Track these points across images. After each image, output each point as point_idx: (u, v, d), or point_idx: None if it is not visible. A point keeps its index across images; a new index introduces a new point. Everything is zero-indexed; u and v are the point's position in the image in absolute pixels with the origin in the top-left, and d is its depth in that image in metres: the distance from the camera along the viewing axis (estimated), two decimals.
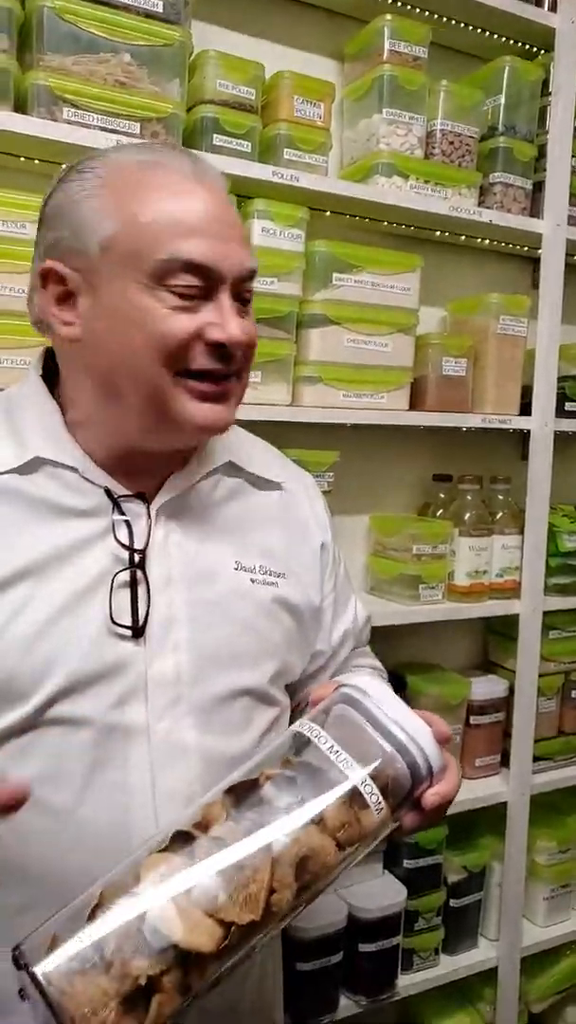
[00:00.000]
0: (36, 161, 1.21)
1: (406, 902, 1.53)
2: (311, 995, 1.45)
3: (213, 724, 0.79)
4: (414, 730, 0.64)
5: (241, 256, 0.75)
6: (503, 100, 1.53)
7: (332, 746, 0.62)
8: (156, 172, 0.74)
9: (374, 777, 0.62)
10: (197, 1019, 0.80)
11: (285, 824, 0.59)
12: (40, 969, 0.52)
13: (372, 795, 0.61)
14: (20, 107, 1.13)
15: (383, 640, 1.24)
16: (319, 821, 0.60)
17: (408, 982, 1.56)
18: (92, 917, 0.55)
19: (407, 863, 1.56)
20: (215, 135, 1.26)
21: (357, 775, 0.61)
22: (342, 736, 0.63)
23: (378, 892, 1.53)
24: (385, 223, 1.53)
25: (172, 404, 0.74)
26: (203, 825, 0.60)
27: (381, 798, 0.61)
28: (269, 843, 0.58)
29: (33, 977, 0.52)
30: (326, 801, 0.61)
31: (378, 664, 1.07)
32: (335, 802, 0.61)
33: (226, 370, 0.75)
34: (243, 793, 0.61)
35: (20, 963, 0.53)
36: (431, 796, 0.67)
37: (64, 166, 0.78)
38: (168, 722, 0.77)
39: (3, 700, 0.73)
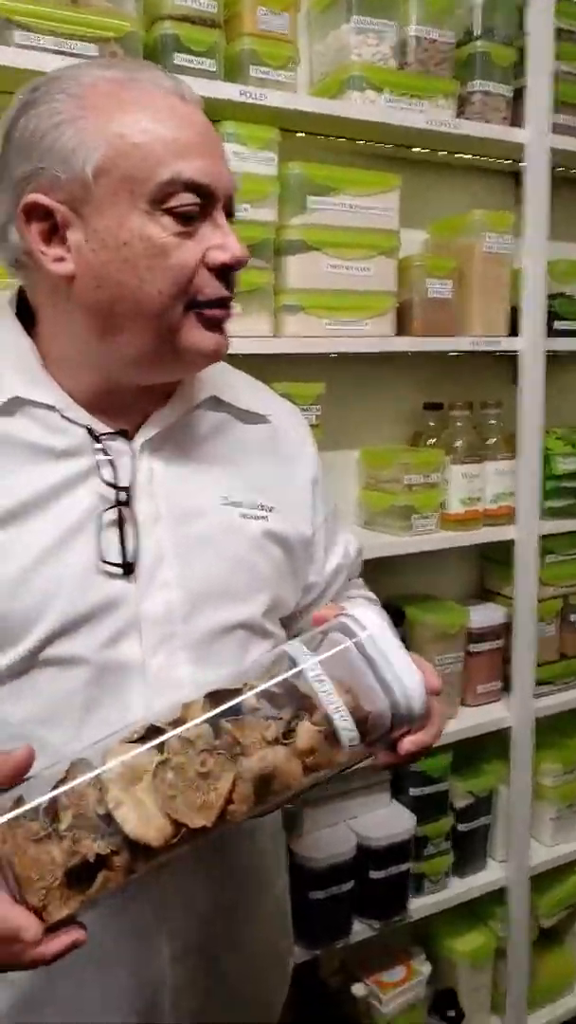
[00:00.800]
0: None
1: (415, 829, 1.56)
2: (324, 921, 1.49)
3: (208, 659, 0.79)
4: (404, 672, 0.64)
5: (230, 172, 0.75)
6: (479, 1, 1.46)
7: (318, 673, 0.62)
8: (135, 89, 0.70)
9: (352, 710, 0.62)
10: (223, 947, 0.83)
11: (255, 739, 0.60)
12: None
13: (348, 730, 0.61)
14: None
15: (378, 573, 1.24)
16: (290, 743, 0.61)
17: (420, 904, 1.61)
18: (55, 789, 0.57)
19: (413, 791, 1.59)
20: (176, 54, 1.21)
21: (335, 705, 0.61)
22: (330, 664, 0.63)
23: (387, 821, 1.56)
24: (360, 141, 1.48)
25: (181, 334, 0.74)
26: (178, 723, 0.61)
27: (356, 732, 0.62)
28: (236, 755, 0.59)
29: None
30: (300, 724, 0.61)
31: (371, 595, 1.07)
32: (309, 727, 0.61)
33: (232, 295, 0.75)
34: (222, 699, 0.62)
35: None
36: (408, 743, 0.68)
37: (23, 89, 0.73)
38: (162, 658, 0.77)
39: None
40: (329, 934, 1.50)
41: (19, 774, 0.60)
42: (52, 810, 0.57)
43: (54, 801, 0.57)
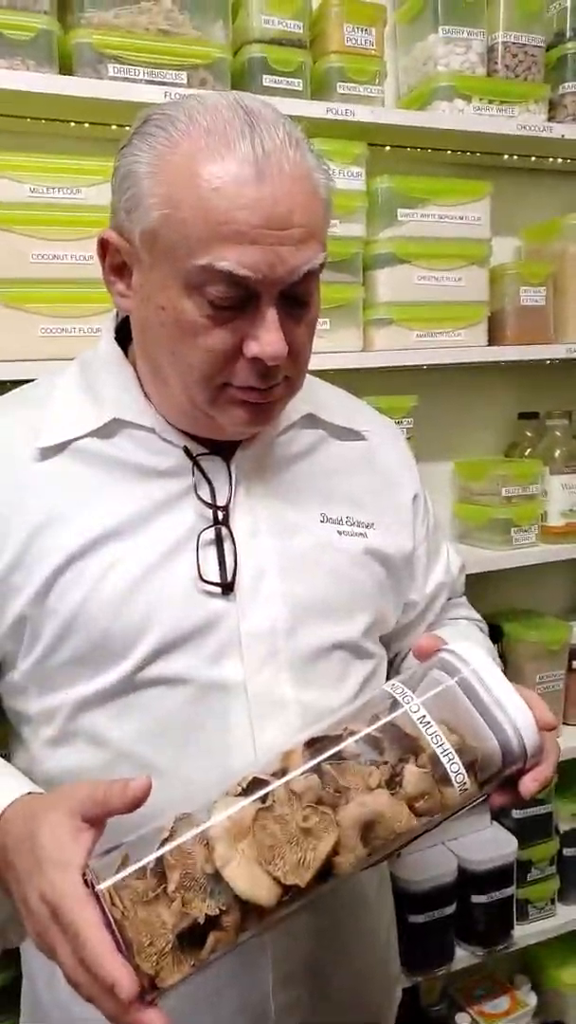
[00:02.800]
0: (86, 125, 1.19)
1: (517, 852, 1.49)
2: (426, 946, 1.44)
3: (310, 678, 0.77)
4: (513, 709, 0.60)
5: (296, 260, 0.66)
6: (569, 2, 1.41)
7: (423, 715, 0.59)
8: (216, 158, 0.64)
9: (460, 751, 0.58)
10: (328, 972, 0.81)
11: (358, 786, 0.57)
12: (104, 887, 0.53)
13: (457, 773, 0.58)
14: (65, 69, 1.11)
15: (476, 588, 1.19)
16: (396, 787, 0.58)
17: (525, 932, 1.53)
18: (162, 847, 0.55)
19: (516, 813, 1.52)
20: (264, 76, 1.21)
21: (443, 747, 0.58)
22: (434, 704, 0.60)
23: (488, 843, 1.50)
24: (449, 151, 1.45)
25: (217, 406, 0.72)
26: (280, 774, 0.58)
27: (466, 775, 0.58)
28: (335, 804, 0.56)
29: (98, 896, 0.53)
30: (407, 768, 0.58)
31: (475, 615, 1.03)
32: (416, 771, 0.58)
33: (268, 384, 0.71)
34: (324, 747, 0.59)
35: (87, 880, 0.54)
36: (530, 783, 0.63)
37: (142, 116, 0.71)
38: (265, 676, 0.75)
39: (99, 661, 0.73)
40: (430, 960, 1.45)
41: (136, 804, 0.58)
42: (159, 870, 0.55)
43: (160, 860, 0.55)
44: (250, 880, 0.53)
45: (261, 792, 0.57)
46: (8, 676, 0.77)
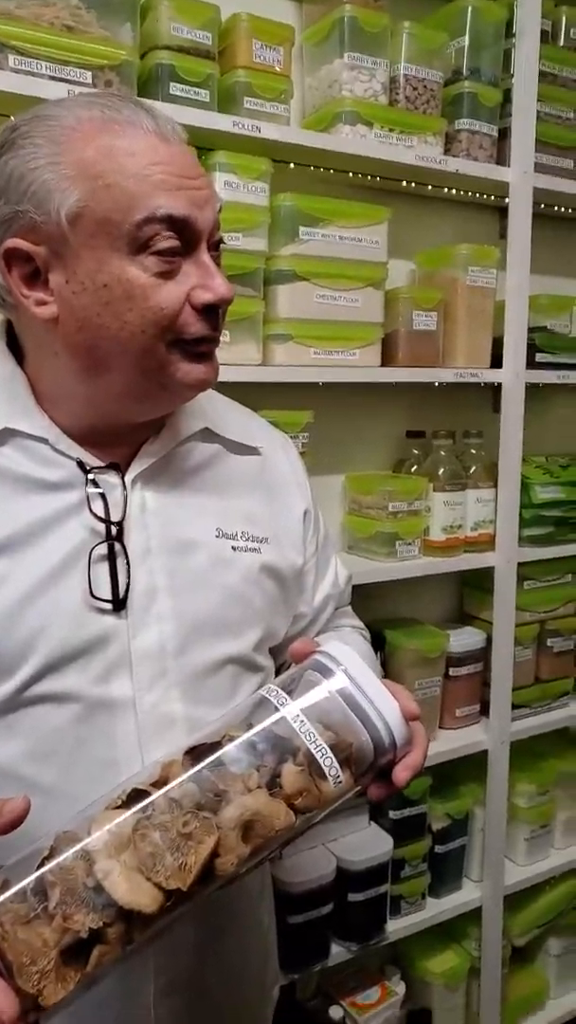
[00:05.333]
0: None
1: (393, 851, 1.53)
2: (303, 945, 1.45)
3: (200, 694, 0.76)
4: (380, 702, 0.62)
5: (212, 205, 0.71)
6: (467, 42, 1.45)
7: (297, 716, 0.60)
8: (114, 131, 0.67)
9: (334, 747, 0.60)
10: (209, 982, 0.80)
11: (236, 787, 0.58)
12: None
13: (332, 767, 0.60)
14: None
15: (362, 597, 1.21)
16: (275, 787, 0.59)
17: (397, 926, 1.57)
18: (41, 866, 0.54)
19: (393, 814, 1.56)
20: (171, 83, 1.18)
21: (316, 744, 0.59)
22: (308, 704, 0.61)
23: (366, 844, 1.53)
24: (350, 174, 1.46)
25: (166, 370, 0.71)
26: (160, 784, 0.58)
27: (339, 769, 0.60)
28: (215, 808, 0.57)
29: None
30: (284, 767, 0.59)
31: (359, 623, 1.04)
32: (293, 769, 0.59)
33: (217, 334, 0.72)
34: (202, 754, 0.59)
35: None
36: (402, 772, 0.65)
37: (4, 128, 0.70)
38: (155, 695, 0.74)
39: None
40: (307, 958, 1.47)
41: (14, 825, 0.56)
42: (40, 889, 0.53)
43: (42, 880, 0.53)
44: (131, 888, 0.53)
45: (141, 803, 0.56)
46: None
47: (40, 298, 0.69)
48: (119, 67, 1.12)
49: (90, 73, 1.10)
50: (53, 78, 1.07)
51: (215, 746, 0.60)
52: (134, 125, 0.68)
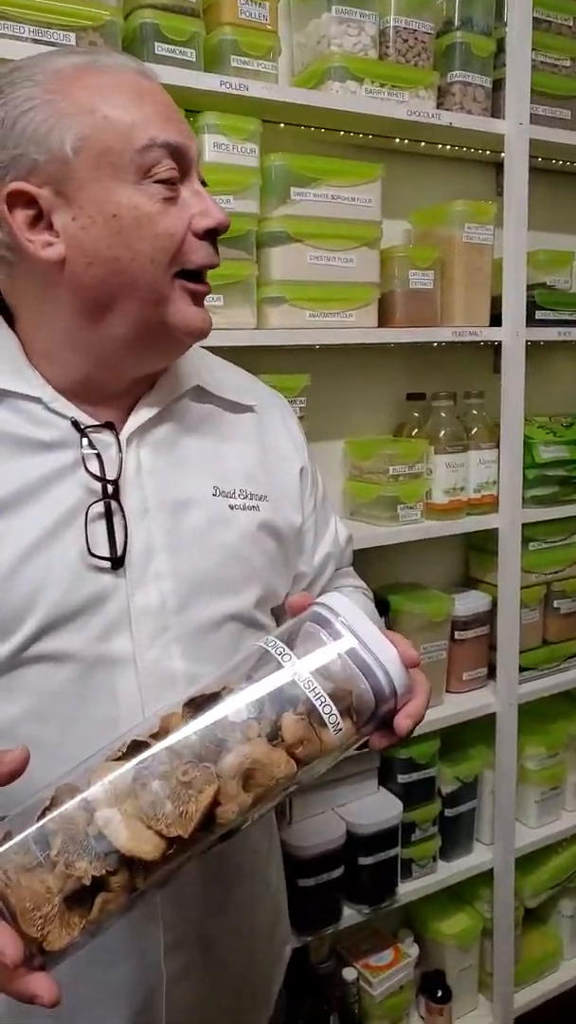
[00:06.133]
0: None
1: (402, 815, 1.58)
2: (315, 908, 1.50)
3: (201, 652, 0.78)
4: (378, 650, 0.64)
5: (190, 132, 0.75)
6: None
7: (296, 666, 0.62)
8: (100, 70, 0.72)
9: (334, 696, 0.61)
10: (218, 938, 0.83)
11: (235, 737, 0.59)
12: None
13: (331, 715, 0.61)
14: None
15: (365, 563, 1.24)
16: (274, 736, 0.60)
17: (408, 889, 1.62)
18: (42, 817, 0.56)
19: (401, 778, 1.61)
20: (156, 43, 1.19)
21: (316, 693, 0.61)
22: (307, 654, 0.63)
23: (375, 807, 1.57)
24: (342, 132, 1.47)
25: (171, 307, 0.74)
26: (160, 735, 0.60)
27: (340, 718, 0.61)
28: (215, 758, 0.59)
29: None
30: (284, 717, 0.61)
31: (362, 583, 1.07)
32: (293, 718, 0.61)
33: (218, 261, 0.76)
34: (202, 705, 0.61)
35: None
36: (403, 719, 0.67)
37: None
38: (156, 651, 0.76)
39: None
40: (319, 921, 1.52)
41: (13, 776, 0.58)
42: (42, 839, 0.55)
43: (43, 830, 0.56)
44: (132, 836, 0.55)
45: (141, 755, 0.58)
46: None
47: (45, 240, 0.71)
48: (102, 27, 1.14)
49: (73, 35, 1.12)
50: (36, 41, 1.09)
51: (214, 697, 0.62)
52: (115, 64, 0.73)
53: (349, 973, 1.62)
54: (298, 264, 1.33)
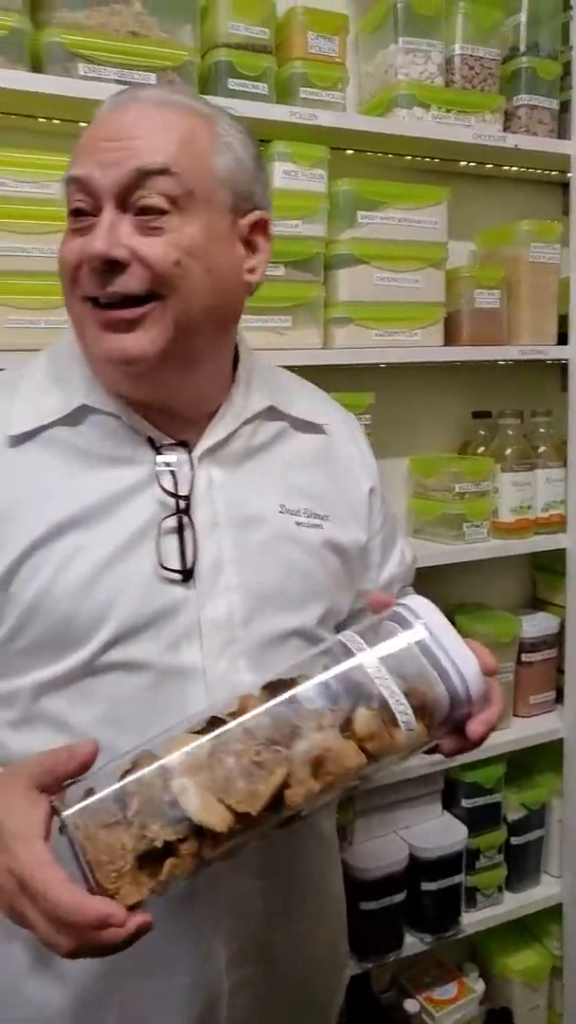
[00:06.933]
0: (55, 121, 1.26)
1: (467, 841, 1.59)
2: (376, 933, 1.52)
3: (266, 665, 0.80)
4: (458, 656, 0.66)
5: (127, 162, 0.73)
6: (523, 18, 1.53)
7: (374, 662, 0.65)
8: (96, 119, 0.78)
9: (408, 695, 0.65)
10: (280, 953, 0.86)
11: (309, 724, 0.63)
12: (69, 814, 0.60)
13: (404, 713, 0.64)
14: (36, 66, 1.18)
15: (429, 582, 1.27)
16: (346, 727, 0.64)
17: (472, 919, 1.63)
18: (123, 779, 0.61)
19: (466, 802, 1.62)
20: (230, 79, 1.29)
21: (390, 690, 0.64)
22: (385, 652, 0.66)
23: (439, 831, 1.59)
24: (408, 157, 1.55)
25: (87, 332, 0.78)
26: (237, 714, 0.65)
27: (413, 718, 0.64)
28: (289, 741, 0.63)
29: (63, 822, 0.59)
30: (355, 709, 0.64)
31: None
32: (365, 713, 0.64)
33: (103, 288, 0.75)
34: (279, 690, 0.65)
35: (54, 807, 0.61)
36: (478, 726, 0.69)
37: None
38: (223, 663, 0.80)
39: (60, 646, 0.77)
40: (381, 947, 1.53)
41: (84, 767, 0.63)
42: (121, 799, 0.61)
43: (122, 791, 0.61)
44: (204, 807, 0.60)
45: (218, 731, 0.63)
46: None
47: None
48: (180, 67, 1.24)
49: (153, 75, 1.22)
50: (119, 82, 1.20)
51: (291, 683, 0.66)
52: (108, 102, 0.79)
53: (412, 1005, 1.63)
54: (364, 285, 1.40)
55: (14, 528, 0.77)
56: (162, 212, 0.74)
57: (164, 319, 0.75)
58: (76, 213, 0.77)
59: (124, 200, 0.74)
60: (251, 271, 0.83)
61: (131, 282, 0.74)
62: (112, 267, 0.73)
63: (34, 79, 1.15)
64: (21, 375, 0.85)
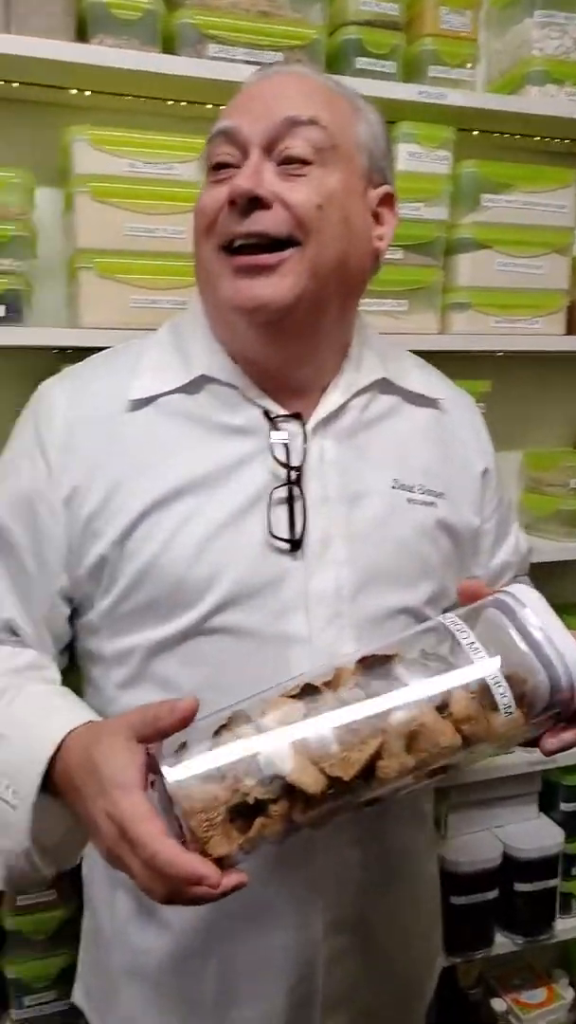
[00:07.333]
0: (183, 104, 1.28)
1: (563, 845, 1.56)
2: (467, 929, 1.51)
3: (372, 641, 0.79)
4: (563, 646, 0.65)
5: (274, 112, 0.77)
6: None
7: (474, 644, 0.64)
8: (239, 91, 0.82)
9: (509, 679, 0.63)
10: (378, 927, 0.87)
11: (406, 698, 0.63)
12: (165, 765, 0.61)
13: (503, 696, 0.63)
14: (168, 48, 1.20)
15: (539, 579, 1.24)
16: (443, 706, 0.63)
17: (566, 926, 1.60)
18: (217, 735, 0.62)
19: (564, 806, 1.59)
20: (358, 58, 1.28)
21: (490, 672, 0.63)
22: (487, 637, 0.65)
23: (534, 833, 1.57)
24: (537, 138, 1.50)
25: (217, 282, 0.79)
26: (332, 684, 0.65)
27: (513, 703, 0.63)
28: (384, 713, 0.62)
29: (159, 772, 0.61)
30: (451, 686, 0.63)
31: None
32: (463, 694, 0.63)
33: (244, 228, 0.76)
34: (375, 665, 0.65)
35: (150, 754, 0.62)
36: None
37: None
38: (330, 634, 0.81)
39: (170, 608, 0.79)
40: (470, 943, 1.53)
41: (185, 723, 0.64)
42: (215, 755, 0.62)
43: (217, 745, 0.61)
44: (298, 768, 0.60)
45: (313, 697, 0.64)
46: (85, 617, 0.84)
47: None
48: (309, 46, 1.24)
49: (281, 55, 1.23)
50: (247, 62, 1.21)
51: (389, 659, 0.66)
52: (253, 76, 0.83)
53: (500, 1004, 1.62)
54: (486, 270, 1.37)
55: (131, 491, 0.79)
56: (305, 162, 0.77)
57: (300, 266, 0.77)
58: (218, 167, 0.79)
59: (270, 149, 0.77)
60: (379, 238, 0.85)
61: (272, 222, 0.76)
62: (254, 206, 0.76)
63: (167, 61, 1.17)
64: (144, 344, 0.88)
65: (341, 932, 0.85)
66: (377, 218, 0.84)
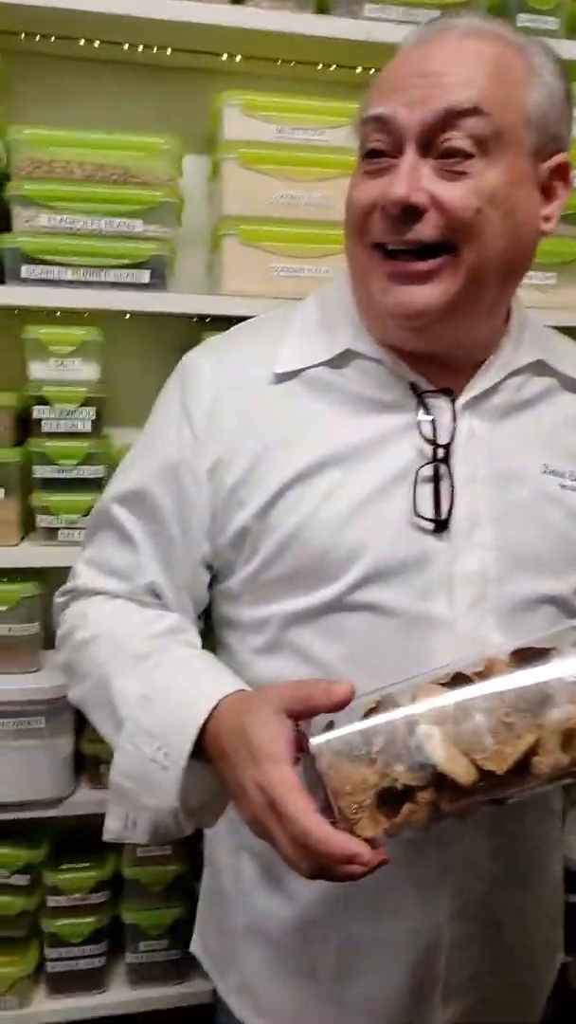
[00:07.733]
0: (332, 68, 1.26)
1: None
2: None
3: (515, 628, 0.79)
4: None
5: (437, 100, 0.70)
6: None
7: None
8: (399, 52, 0.76)
9: None
10: (503, 917, 0.86)
11: (563, 696, 0.61)
12: (315, 741, 0.61)
13: None
14: (322, 10, 1.18)
15: None
16: None
17: None
18: (366, 718, 0.62)
19: None
20: (520, 14, 1.23)
21: None
22: None
23: None
24: None
25: (373, 284, 0.76)
26: (484, 675, 0.63)
27: None
28: (538, 708, 0.61)
29: (309, 749, 0.61)
30: None
31: None
32: None
33: (399, 235, 0.73)
34: (530, 658, 0.63)
35: (300, 731, 0.62)
36: None
37: None
38: (473, 618, 0.79)
39: (311, 580, 0.78)
40: None
41: (339, 707, 0.64)
42: (366, 736, 0.62)
43: (368, 728, 0.62)
44: (449, 757, 0.60)
45: (465, 687, 0.63)
46: (225, 583, 0.84)
47: None
48: (467, 3, 1.20)
49: (439, 12, 1.18)
50: (403, 22, 1.17)
51: (543, 653, 0.64)
52: (412, 36, 0.76)
53: None
54: None
55: (275, 462, 0.79)
56: (467, 156, 0.72)
57: (457, 272, 0.74)
58: (372, 154, 0.75)
59: (428, 141, 0.71)
60: (546, 219, 0.79)
61: (426, 229, 0.72)
62: (408, 213, 0.72)
63: (320, 21, 1.15)
64: (290, 317, 0.87)
65: (466, 919, 0.84)
66: (547, 192, 0.78)
